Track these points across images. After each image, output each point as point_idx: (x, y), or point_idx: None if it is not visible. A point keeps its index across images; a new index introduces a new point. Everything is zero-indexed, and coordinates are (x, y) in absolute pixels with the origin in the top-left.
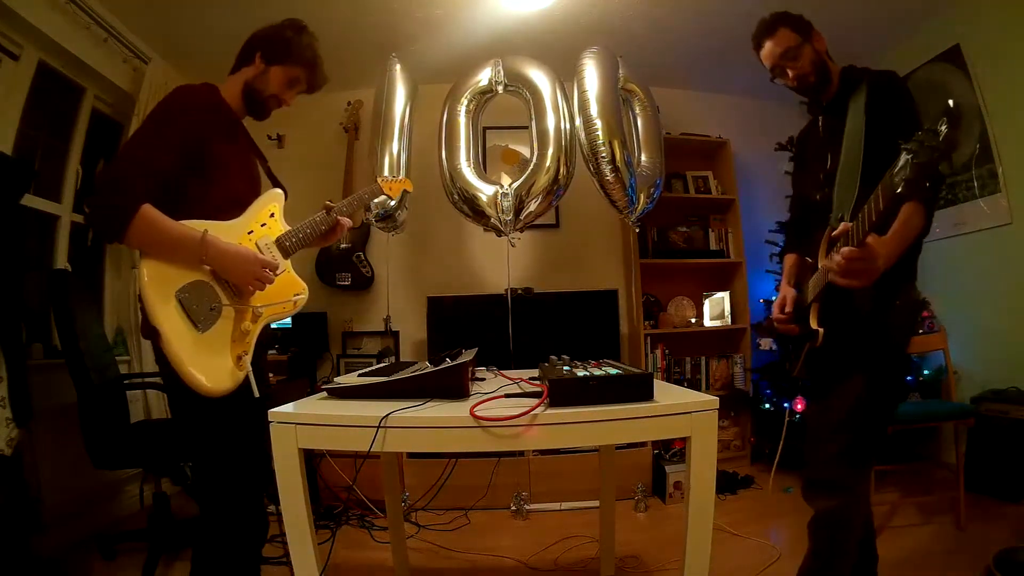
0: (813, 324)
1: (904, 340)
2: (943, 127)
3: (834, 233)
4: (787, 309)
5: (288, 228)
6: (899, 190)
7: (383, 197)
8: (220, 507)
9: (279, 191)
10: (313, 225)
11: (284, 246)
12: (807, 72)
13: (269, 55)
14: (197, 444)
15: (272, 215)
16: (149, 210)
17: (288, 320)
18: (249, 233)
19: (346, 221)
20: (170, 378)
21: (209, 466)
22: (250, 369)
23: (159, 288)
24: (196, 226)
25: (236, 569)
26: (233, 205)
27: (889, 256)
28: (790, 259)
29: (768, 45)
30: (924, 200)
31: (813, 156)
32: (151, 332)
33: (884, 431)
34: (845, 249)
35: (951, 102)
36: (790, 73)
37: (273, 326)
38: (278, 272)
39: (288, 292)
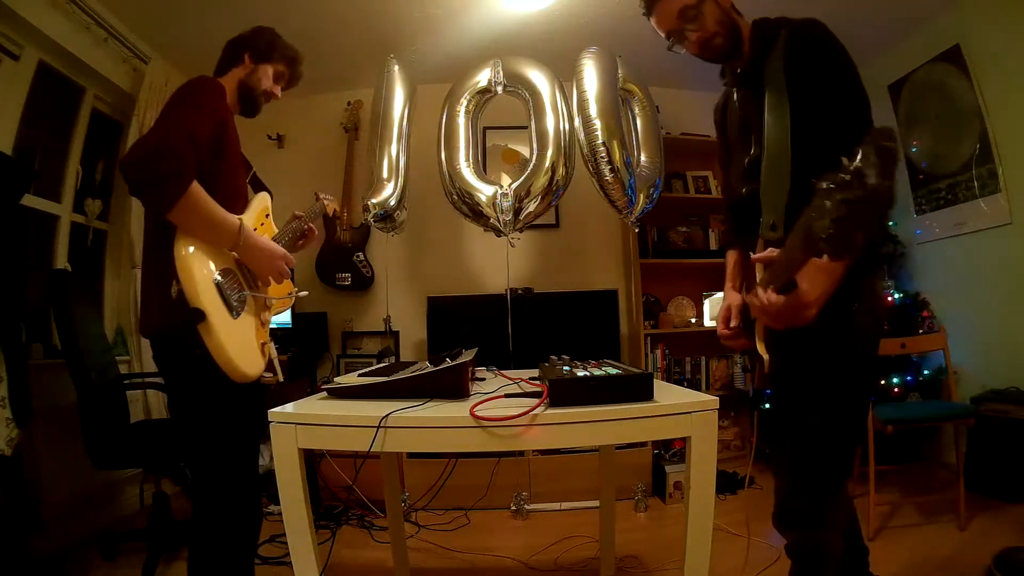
0: (760, 350)
1: (869, 347)
2: (871, 170)
3: (755, 257)
4: (733, 323)
5: (276, 230)
6: (817, 245)
7: (381, 197)
8: (218, 505)
9: (267, 194)
10: (292, 231)
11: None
12: (712, 33)
13: (257, 54)
14: (198, 442)
15: (268, 215)
16: (199, 187)
17: (288, 320)
18: (253, 230)
19: (314, 229)
20: (171, 375)
21: (210, 463)
22: (274, 354)
23: (201, 269)
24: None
25: (232, 567)
26: (235, 199)
27: (836, 280)
28: (732, 256)
29: (661, 8)
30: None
31: (735, 136)
32: (194, 314)
33: (851, 452)
34: (766, 299)
35: (875, 129)
36: (691, 37)
37: (273, 326)
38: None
39: (285, 288)
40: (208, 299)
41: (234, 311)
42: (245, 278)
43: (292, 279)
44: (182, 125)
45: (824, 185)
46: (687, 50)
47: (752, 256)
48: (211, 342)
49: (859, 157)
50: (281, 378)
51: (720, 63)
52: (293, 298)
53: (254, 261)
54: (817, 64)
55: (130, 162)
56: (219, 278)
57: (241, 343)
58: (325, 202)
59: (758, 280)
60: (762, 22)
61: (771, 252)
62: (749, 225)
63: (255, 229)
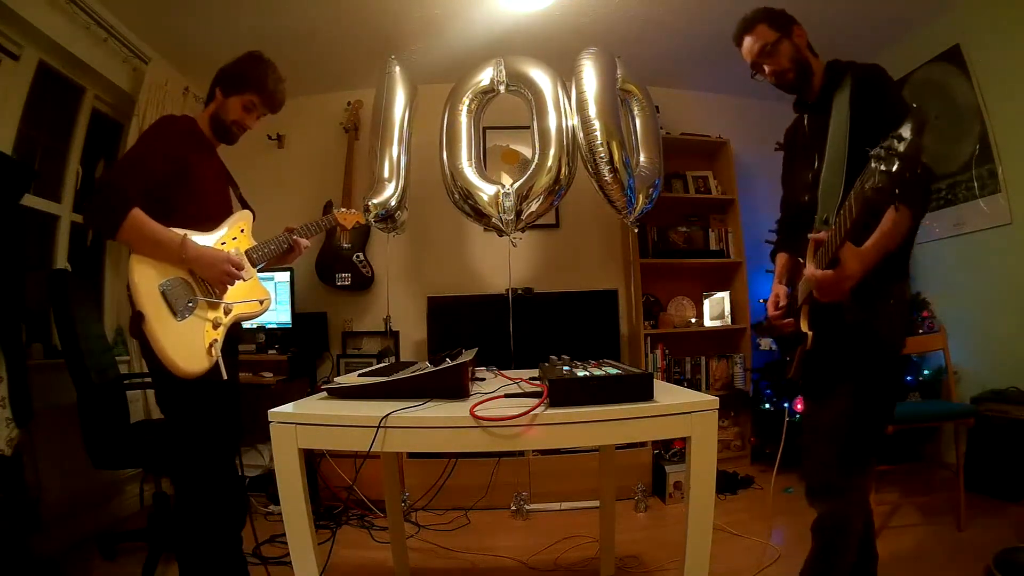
0: (803, 327)
1: (897, 341)
2: (908, 133)
3: (813, 237)
4: (781, 304)
5: (255, 243)
6: (869, 197)
7: (381, 198)
8: (196, 496)
9: (248, 212)
10: (276, 243)
11: (251, 257)
12: (784, 68)
13: (226, 88)
14: (181, 432)
15: (243, 230)
16: (138, 213)
17: (288, 320)
18: (222, 244)
19: (304, 242)
20: (157, 370)
21: (184, 457)
22: (220, 356)
23: (145, 279)
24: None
25: (221, 556)
26: (208, 219)
27: (867, 266)
28: (782, 258)
29: (747, 42)
30: (909, 202)
31: (800, 156)
32: (136, 317)
33: (880, 434)
34: (817, 273)
35: (915, 105)
36: (767, 69)
37: (273, 326)
38: (245, 273)
39: (255, 295)
40: (149, 303)
41: (179, 314)
42: (201, 286)
43: (292, 279)
44: (127, 164)
45: (875, 151)
46: (765, 80)
47: (811, 238)
48: (151, 340)
49: (900, 128)
50: (224, 376)
51: (792, 94)
52: (262, 305)
53: (200, 269)
54: (876, 100)
55: (88, 200)
56: (165, 286)
57: (181, 342)
58: (337, 215)
59: (808, 264)
60: (834, 62)
61: (824, 234)
62: (805, 227)
63: (224, 243)
